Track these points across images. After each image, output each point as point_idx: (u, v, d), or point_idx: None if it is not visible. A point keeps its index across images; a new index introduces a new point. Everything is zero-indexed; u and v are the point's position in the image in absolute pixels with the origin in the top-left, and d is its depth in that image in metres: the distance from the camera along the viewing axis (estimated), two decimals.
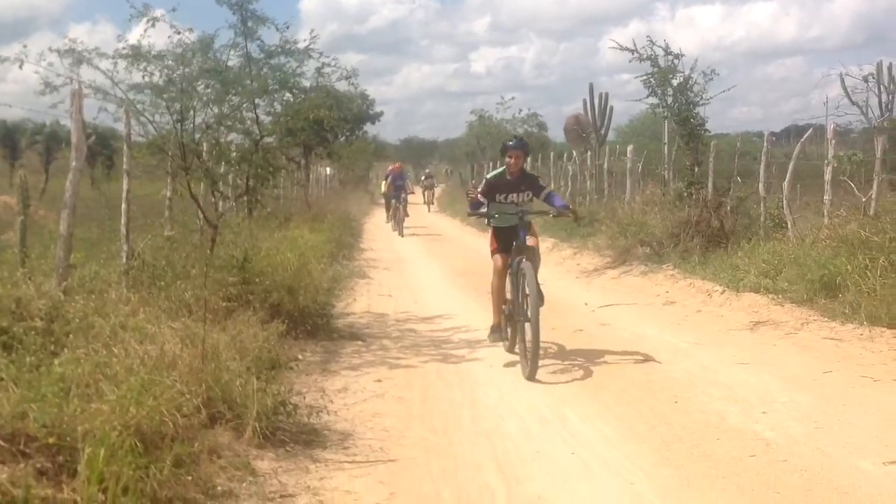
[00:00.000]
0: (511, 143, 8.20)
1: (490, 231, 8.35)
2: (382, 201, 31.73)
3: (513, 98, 47.18)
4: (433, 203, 38.63)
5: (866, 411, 6.02)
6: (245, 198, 10.12)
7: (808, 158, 13.72)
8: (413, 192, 31.84)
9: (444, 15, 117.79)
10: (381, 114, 48.49)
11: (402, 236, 23.50)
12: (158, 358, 5.13)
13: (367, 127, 45.94)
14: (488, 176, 8.42)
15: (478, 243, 21.57)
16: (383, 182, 29.22)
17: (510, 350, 8.04)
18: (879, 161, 10.99)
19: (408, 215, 25.56)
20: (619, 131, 37.07)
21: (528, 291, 7.36)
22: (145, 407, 4.26)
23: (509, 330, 8.06)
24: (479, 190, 8.14)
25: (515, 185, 8.05)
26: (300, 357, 7.44)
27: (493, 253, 8.18)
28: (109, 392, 4.36)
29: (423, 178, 41.11)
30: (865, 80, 18.89)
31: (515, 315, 7.76)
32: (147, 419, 4.22)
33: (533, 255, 7.72)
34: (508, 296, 8.03)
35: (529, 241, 7.88)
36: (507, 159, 8.06)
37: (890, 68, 19.73)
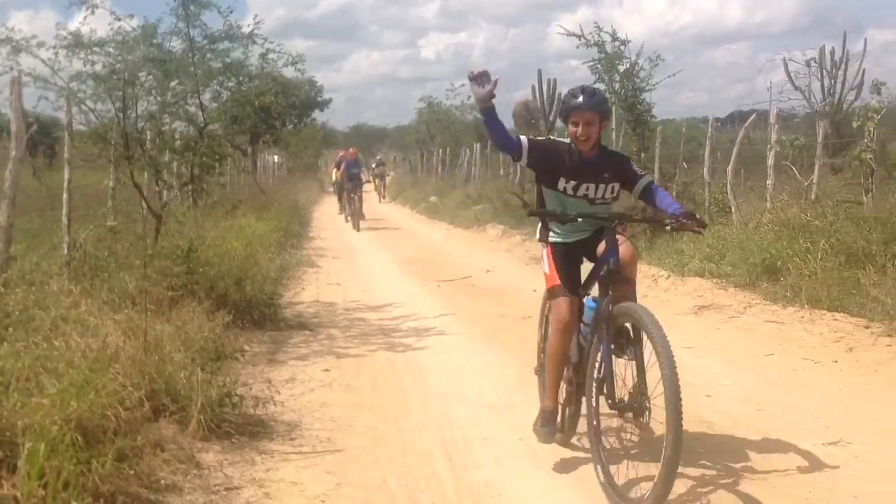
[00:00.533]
0: (577, 101, 4.75)
1: (545, 249, 5.10)
2: (332, 189, 31.12)
3: (462, 85, 47.41)
4: (384, 193, 37.09)
5: (807, 393, 6.15)
6: (190, 187, 10.00)
7: (753, 143, 13.94)
8: (369, 181, 30.64)
9: (393, 0, 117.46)
10: (330, 101, 48.32)
11: (358, 231, 21.40)
12: (100, 350, 5.05)
13: (316, 114, 45.72)
14: (553, 138, 5.40)
15: (429, 231, 21.68)
16: (334, 170, 27.39)
17: (565, 443, 5.14)
18: (821, 146, 11.20)
19: (363, 217, 22.71)
20: None
21: (662, 365, 4.18)
22: (87, 401, 4.19)
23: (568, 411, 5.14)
24: (531, 139, 4.93)
25: (592, 170, 4.86)
26: (246, 347, 7.40)
27: (552, 291, 5.00)
28: (50, 386, 4.28)
29: (373, 165, 40.02)
30: (808, 64, 19.25)
31: (604, 394, 4.63)
32: (89, 413, 4.15)
33: (630, 287, 4.78)
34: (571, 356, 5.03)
35: (622, 250, 4.72)
36: (571, 128, 4.79)
37: (833, 53, 20.04)
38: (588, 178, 4.87)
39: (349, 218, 22.85)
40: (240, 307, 8.12)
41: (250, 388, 5.93)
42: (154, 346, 5.39)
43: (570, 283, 4.95)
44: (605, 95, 5.13)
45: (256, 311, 8.42)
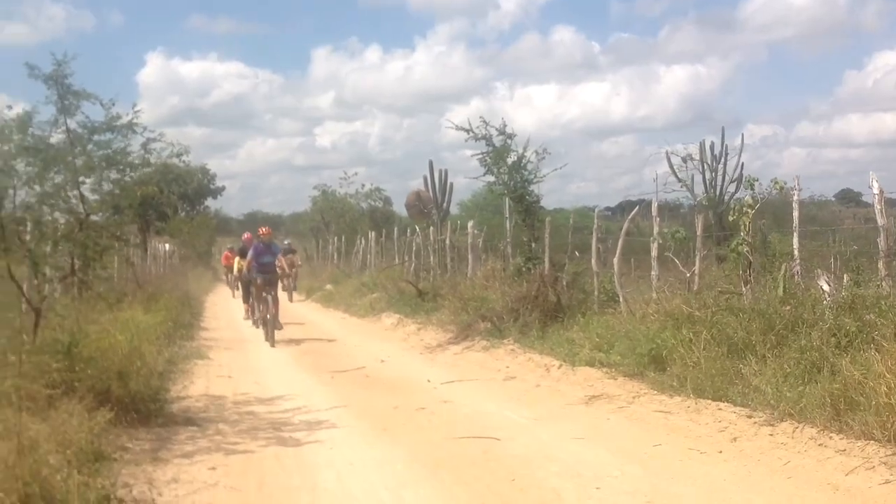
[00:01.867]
0: None
1: None
2: (225, 279, 29.21)
3: (356, 173, 47.91)
4: (295, 286, 28.37)
5: (693, 483, 6.24)
6: (72, 279, 9.69)
7: (642, 233, 14.38)
8: (292, 274, 23.40)
9: (288, 90, 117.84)
10: (224, 188, 48.25)
11: (273, 345, 15.47)
12: None
13: (209, 201, 45.48)
14: None
15: (323, 319, 21.41)
16: (235, 259, 23.08)
17: None
18: (700, 238, 11.61)
19: (280, 327, 16.10)
20: (462, 205, 37.82)
21: None
22: None
23: None
24: None
25: None
26: (129, 446, 7.12)
27: None
28: None
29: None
30: (684, 160, 20.22)
31: None
32: None
33: None
34: None
35: None
36: None
37: (712, 147, 21.07)
38: None
39: (260, 325, 16.99)
40: (123, 403, 7.82)
41: (131, 490, 5.70)
42: (29, 448, 5.15)
43: None
44: None
45: (141, 406, 8.13)
